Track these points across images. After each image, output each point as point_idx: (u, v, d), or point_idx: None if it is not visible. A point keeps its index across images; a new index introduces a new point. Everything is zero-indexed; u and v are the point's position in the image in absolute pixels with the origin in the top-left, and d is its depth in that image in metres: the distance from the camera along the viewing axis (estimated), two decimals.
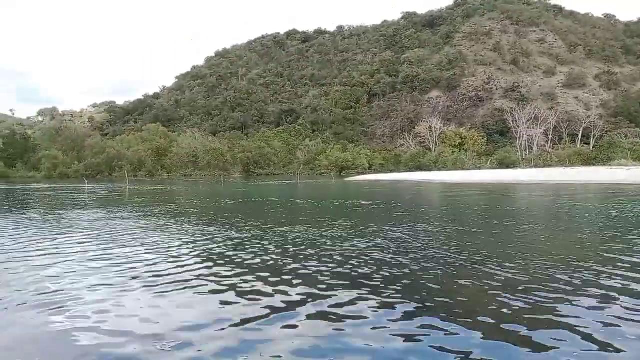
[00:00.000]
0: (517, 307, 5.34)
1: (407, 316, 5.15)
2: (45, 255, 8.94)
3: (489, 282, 6.41)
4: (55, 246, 9.97)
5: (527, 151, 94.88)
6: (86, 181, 55.88)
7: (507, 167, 78.61)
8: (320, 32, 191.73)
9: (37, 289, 6.31)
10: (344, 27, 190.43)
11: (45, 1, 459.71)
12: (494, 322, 4.92)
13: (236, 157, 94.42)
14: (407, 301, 5.65)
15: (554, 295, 5.71)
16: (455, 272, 7.01)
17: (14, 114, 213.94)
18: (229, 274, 7.17)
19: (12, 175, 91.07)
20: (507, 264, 7.43)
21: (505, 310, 5.25)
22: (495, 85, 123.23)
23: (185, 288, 6.32)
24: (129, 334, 4.65)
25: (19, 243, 10.48)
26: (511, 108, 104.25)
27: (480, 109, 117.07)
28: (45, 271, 7.45)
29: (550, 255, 8.20)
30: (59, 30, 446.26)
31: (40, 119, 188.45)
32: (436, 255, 8.29)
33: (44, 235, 11.81)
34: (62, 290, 6.23)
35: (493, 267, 7.28)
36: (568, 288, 6.02)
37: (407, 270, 7.17)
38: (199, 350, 4.27)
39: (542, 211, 17.74)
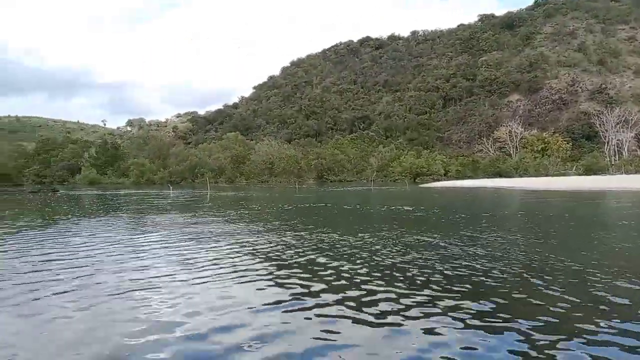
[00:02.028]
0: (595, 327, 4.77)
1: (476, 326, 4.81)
2: (130, 252, 9.72)
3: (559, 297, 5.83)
4: (139, 244, 10.78)
5: (617, 156, 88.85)
6: (171, 187, 58.44)
7: (595, 173, 73.95)
8: (393, 38, 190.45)
9: (120, 282, 6.88)
10: (418, 32, 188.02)
11: (139, 20, 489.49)
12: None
13: (310, 164, 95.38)
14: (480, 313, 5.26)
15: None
16: (521, 284, 6.46)
17: (105, 124, 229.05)
18: (296, 276, 7.18)
19: (103, 182, 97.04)
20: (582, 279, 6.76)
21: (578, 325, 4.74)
22: (581, 87, 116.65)
23: (248, 282, 6.58)
24: (197, 322, 5.01)
25: (107, 241, 11.32)
26: (598, 111, 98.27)
27: (565, 113, 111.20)
28: (128, 264, 8.19)
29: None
30: (148, 46, 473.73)
31: (129, 128, 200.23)
32: (506, 268, 7.72)
33: (129, 235, 12.76)
34: (141, 283, 6.87)
35: (558, 284, 6.64)
36: None
37: (470, 285, 6.70)
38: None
39: (634, 222, 16.28)
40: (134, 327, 5.01)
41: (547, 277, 6.86)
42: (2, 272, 7.80)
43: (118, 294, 6.30)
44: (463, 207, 22.98)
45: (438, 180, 78.49)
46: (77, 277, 7.33)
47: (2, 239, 12.22)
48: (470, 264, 7.96)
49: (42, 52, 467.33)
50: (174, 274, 7.49)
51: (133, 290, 6.45)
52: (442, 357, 4.17)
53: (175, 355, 4.29)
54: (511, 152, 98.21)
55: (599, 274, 6.96)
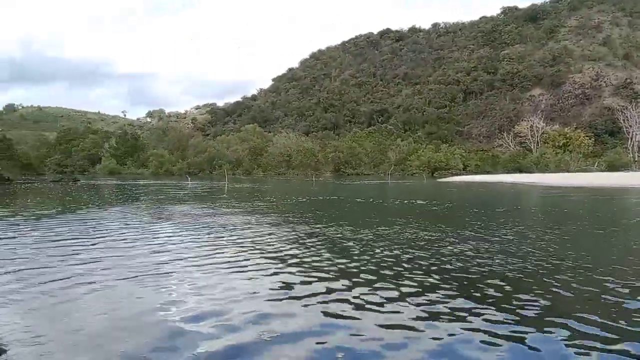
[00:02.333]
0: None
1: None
2: (147, 241, 10.14)
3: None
4: (156, 234, 11.25)
5: None
6: (189, 178, 58.89)
7: (618, 169, 72.53)
8: (414, 30, 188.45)
9: (136, 269, 7.24)
10: (439, 24, 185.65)
11: (161, 11, 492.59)
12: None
13: (327, 156, 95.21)
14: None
15: None
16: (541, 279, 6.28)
17: (125, 115, 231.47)
18: (308, 268, 7.18)
19: (123, 172, 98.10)
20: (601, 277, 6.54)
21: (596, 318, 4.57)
22: (605, 82, 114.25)
23: (267, 272, 6.58)
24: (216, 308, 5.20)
25: (124, 230, 11.71)
26: (622, 106, 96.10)
27: (588, 108, 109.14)
28: (145, 252, 8.51)
29: None
30: (169, 37, 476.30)
31: (148, 119, 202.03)
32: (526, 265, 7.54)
33: (147, 224, 13.24)
34: (157, 269, 7.35)
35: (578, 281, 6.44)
36: None
37: (491, 278, 6.55)
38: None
39: None
40: (151, 312, 5.33)
41: (557, 275, 6.68)
42: (27, 258, 8.18)
43: (134, 278, 6.78)
44: (480, 202, 22.69)
45: (457, 174, 77.70)
46: (96, 264, 7.71)
47: (26, 227, 12.52)
48: (478, 260, 7.82)
49: (64, 43, 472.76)
50: (189, 262, 7.94)
51: (148, 276, 6.91)
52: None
53: (192, 339, 4.50)
54: (532, 147, 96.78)
55: (615, 273, 6.77)
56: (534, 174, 65.32)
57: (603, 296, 5.79)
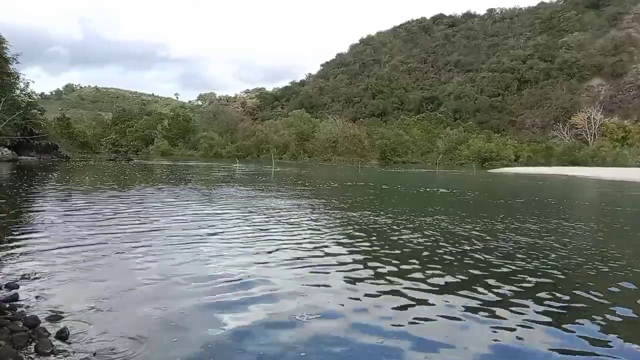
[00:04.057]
0: None
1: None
2: (197, 219, 10.67)
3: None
4: (206, 212, 11.81)
5: None
6: (238, 161, 59.94)
7: None
8: (469, 16, 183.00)
9: (185, 243, 7.59)
10: (495, 10, 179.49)
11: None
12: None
13: (374, 143, 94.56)
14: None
15: None
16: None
17: (177, 97, 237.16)
18: (358, 256, 7.24)
19: (174, 153, 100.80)
20: None
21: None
22: None
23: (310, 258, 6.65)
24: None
25: (174, 210, 12.18)
26: None
27: None
28: (195, 229, 8.67)
29: None
30: (222, 21, 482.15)
31: (199, 103, 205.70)
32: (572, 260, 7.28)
33: (199, 203, 13.83)
34: (203, 244, 7.76)
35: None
36: None
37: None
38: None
39: None
40: (199, 285, 5.63)
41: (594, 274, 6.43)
42: (85, 232, 8.60)
43: (183, 252, 7.25)
44: (537, 196, 22.05)
45: (508, 165, 75.64)
46: (149, 239, 8.13)
47: (84, 202, 13.13)
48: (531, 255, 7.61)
49: (122, 26, 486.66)
50: (232, 239, 8.47)
51: (195, 251, 7.38)
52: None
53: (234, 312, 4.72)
54: (588, 139, 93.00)
55: None
56: (590, 168, 62.75)
57: None
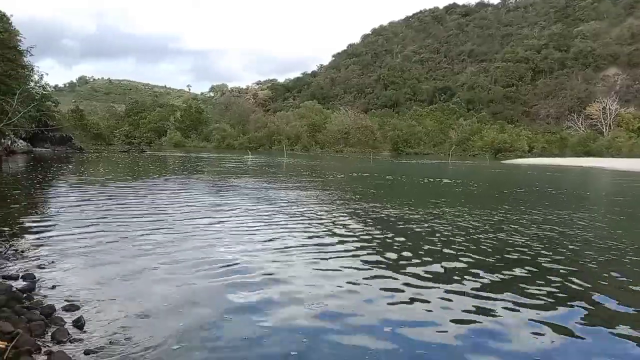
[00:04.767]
0: None
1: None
2: (207, 207, 10.91)
3: None
4: (215, 203, 11.90)
5: None
6: (250, 153, 60.05)
7: None
8: (482, 5, 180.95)
9: (199, 232, 7.37)
10: None
11: None
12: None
13: (386, 135, 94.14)
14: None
15: None
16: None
17: (190, 89, 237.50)
18: (370, 249, 7.27)
19: (187, 145, 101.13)
20: None
21: None
22: None
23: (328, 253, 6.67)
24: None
25: (186, 200, 12.21)
26: None
27: None
28: (201, 222, 8.61)
29: None
30: (233, 13, 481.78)
31: (212, 94, 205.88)
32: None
33: (211, 193, 14.22)
34: (215, 232, 7.61)
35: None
36: None
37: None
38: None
39: None
40: (212, 272, 5.79)
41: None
42: (100, 223, 8.74)
43: (195, 240, 7.41)
44: (558, 189, 21.83)
45: (522, 156, 74.90)
46: (162, 227, 8.26)
47: (99, 193, 13.28)
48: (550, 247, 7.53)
49: (135, 18, 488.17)
50: (244, 228, 8.54)
51: (207, 240, 7.54)
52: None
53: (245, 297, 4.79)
54: (603, 130, 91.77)
55: None
56: (605, 159, 61.94)
57: None
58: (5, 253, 6.16)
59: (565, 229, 9.47)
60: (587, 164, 48.65)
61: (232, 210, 11.00)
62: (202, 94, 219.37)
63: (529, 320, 4.52)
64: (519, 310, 4.77)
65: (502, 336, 4.17)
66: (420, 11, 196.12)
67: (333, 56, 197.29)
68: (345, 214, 10.84)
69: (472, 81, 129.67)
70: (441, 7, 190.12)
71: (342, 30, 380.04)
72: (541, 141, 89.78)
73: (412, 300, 5.01)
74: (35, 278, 5.21)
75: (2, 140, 32.41)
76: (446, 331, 4.23)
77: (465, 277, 5.86)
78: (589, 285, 5.59)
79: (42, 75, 43.79)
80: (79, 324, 4.05)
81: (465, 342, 4.03)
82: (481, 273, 6.00)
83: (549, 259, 6.79)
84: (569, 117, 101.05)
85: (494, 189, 20.14)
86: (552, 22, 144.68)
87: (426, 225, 9.55)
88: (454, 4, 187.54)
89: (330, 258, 6.68)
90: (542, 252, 7.29)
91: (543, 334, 4.22)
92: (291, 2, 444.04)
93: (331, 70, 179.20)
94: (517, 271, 6.13)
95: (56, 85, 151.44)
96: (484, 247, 7.55)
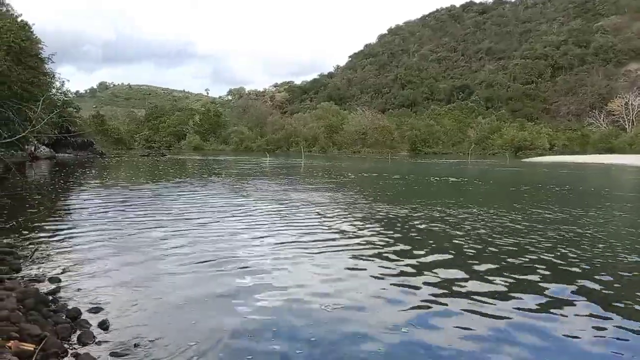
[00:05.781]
0: None
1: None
2: (227, 211, 10.88)
3: None
4: (235, 204, 12.08)
5: None
6: (268, 155, 60.34)
7: None
8: (499, 2, 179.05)
9: (220, 237, 7.51)
10: None
11: None
12: None
13: (404, 135, 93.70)
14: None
15: None
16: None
17: (208, 93, 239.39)
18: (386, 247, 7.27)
19: (206, 148, 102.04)
20: None
21: None
22: None
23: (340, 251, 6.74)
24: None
25: (206, 202, 12.49)
26: None
27: None
28: (228, 222, 8.75)
29: None
30: (249, 16, 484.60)
31: (229, 98, 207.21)
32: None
33: (228, 196, 14.13)
34: (237, 238, 7.72)
35: None
36: None
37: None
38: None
39: None
40: (234, 272, 5.92)
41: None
42: (126, 223, 9.00)
43: (217, 244, 7.37)
44: (588, 189, 21.52)
45: (542, 154, 73.86)
46: (184, 230, 8.38)
47: (122, 197, 13.51)
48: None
49: (153, 24, 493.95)
50: (263, 232, 8.46)
51: (228, 243, 7.55)
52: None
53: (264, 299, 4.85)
54: (626, 126, 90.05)
55: None
56: (628, 155, 60.72)
57: None
58: (31, 257, 6.29)
59: (585, 229, 9.34)
60: (609, 161, 47.82)
61: (251, 213, 11.08)
62: (220, 97, 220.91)
63: (543, 323, 4.46)
64: (531, 312, 4.72)
65: (515, 339, 4.11)
66: (437, 10, 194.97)
67: (349, 57, 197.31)
68: (370, 217, 10.84)
69: (491, 79, 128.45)
70: (458, 5, 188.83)
71: (358, 31, 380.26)
72: (562, 138, 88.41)
73: (427, 303, 4.98)
74: (60, 281, 5.31)
75: (27, 147, 33.04)
76: (461, 334, 4.20)
77: (479, 276, 5.84)
78: (606, 287, 5.51)
79: (63, 82, 44.43)
80: (104, 326, 4.11)
81: (479, 345, 4.00)
82: (494, 273, 5.98)
83: (566, 261, 6.70)
84: (590, 113, 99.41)
85: (514, 186, 19.93)
86: (571, 18, 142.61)
87: (454, 223, 9.49)
88: (471, 1, 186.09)
89: (357, 257, 6.77)
90: (567, 253, 7.20)
91: (560, 337, 4.16)
92: (307, 4, 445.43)
93: (348, 71, 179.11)
94: (534, 272, 6.07)
95: (77, 92, 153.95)
96: (498, 247, 7.49)
